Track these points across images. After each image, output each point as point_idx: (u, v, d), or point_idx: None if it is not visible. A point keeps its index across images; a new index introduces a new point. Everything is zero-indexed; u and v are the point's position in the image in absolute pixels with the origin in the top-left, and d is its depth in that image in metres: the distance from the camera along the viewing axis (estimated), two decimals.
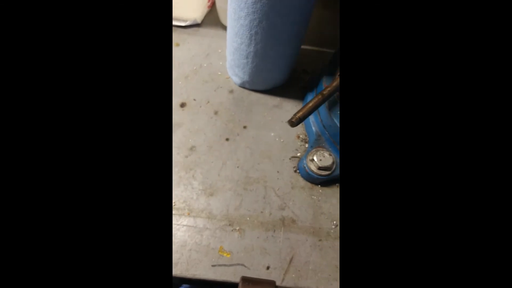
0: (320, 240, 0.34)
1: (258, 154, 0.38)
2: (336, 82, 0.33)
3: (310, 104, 0.33)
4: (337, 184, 0.37)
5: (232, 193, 0.35)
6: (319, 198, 0.36)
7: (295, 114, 0.32)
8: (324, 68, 0.40)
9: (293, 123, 0.32)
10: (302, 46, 0.48)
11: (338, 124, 0.35)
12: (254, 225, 0.34)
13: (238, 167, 0.37)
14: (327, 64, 0.40)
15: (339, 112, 0.35)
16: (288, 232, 0.34)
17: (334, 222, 0.35)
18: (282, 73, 0.41)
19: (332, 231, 0.34)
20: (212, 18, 0.50)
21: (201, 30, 0.49)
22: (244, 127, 0.40)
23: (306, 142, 0.40)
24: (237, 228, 0.34)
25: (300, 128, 0.41)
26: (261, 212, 0.35)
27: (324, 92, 0.33)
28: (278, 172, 0.37)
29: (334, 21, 0.52)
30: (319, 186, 0.37)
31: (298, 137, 0.40)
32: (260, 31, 0.33)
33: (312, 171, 0.35)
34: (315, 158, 0.35)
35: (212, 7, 0.50)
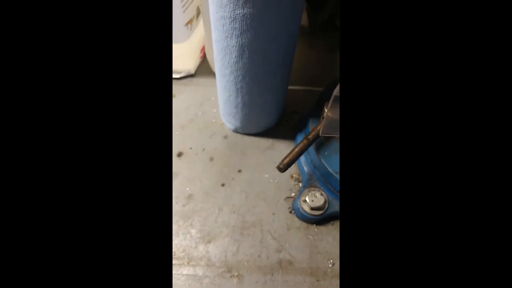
0: (318, 280, 0.34)
1: (253, 197, 0.40)
2: (320, 125, 0.35)
3: (296, 149, 0.34)
4: (332, 222, 0.38)
5: (229, 239, 0.37)
6: (315, 237, 0.37)
7: (282, 160, 0.34)
8: (311, 109, 0.42)
9: (281, 169, 0.34)
10: (291, 87, 0.51)
11: (326, 165, 0.36)
12: (252, 270, 0.35)
13: (234, 212, 0.39)
14: (313, 106, 0.42)
15: (326, 153, 0.37)
16: (286, 274, 0.35)
17: (331, 260, 0.36)
18: (272, 116, 0.43)
19: (329, 270, 0.35)
20: (204, 68, 0.53)
21: (195, 80, 0.52)
22: (239, 171, 0.42)
23: (299, 182, 0.41)
24: (236, 274, 0.35)
25: (293, 168, 0.42)
26: (259, 256, 0.36)
27: (309, 137, 0.35)
28: (273, 214, 0.39)
29: (320, 60, 0.55)
30: (314, 225, 0.38)
31: (292, 177, 0.42)
32: (244, 85, 0.36)
33: (305, 211, 0.37)
34: (307, 198, 0.37)
35: (204, 57, 0.54)
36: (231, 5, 0.28)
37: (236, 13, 0.28)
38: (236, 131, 0.45)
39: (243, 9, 0.28)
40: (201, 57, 0.53)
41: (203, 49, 0.53)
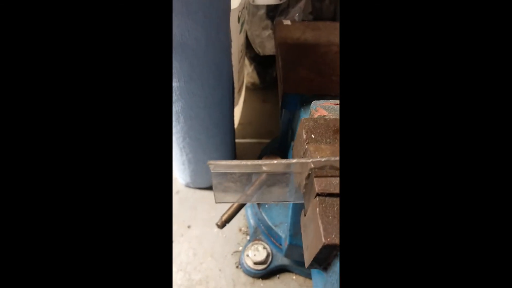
0: None
1: (201, 254, 0.40)
2: (258, 181, 0.37)
3: (235, 205, 0.36)
4: (278, 276, 0.38)
5: None
6: None
7: (221, 217, 0.35)
8: None
9: (219, 226, 0.35)
10: (242, 140, 0.54)
11: (267, 218, 0.37)
12: None
13: (181, 270, 0.39)
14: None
15: (267, 206, 0.38)
16: None
17: None
18: None
19: None
20: None
21: None
22: (188, 226, 0.43)
23: (247, 235, 0.42)
24: None
25: (242, 221, 0.43)
26: None
27: (248, 192, 0.37)
28: (220, 270, 0.39)
29: (272, 114, 0.58)
30: (261, 279, 0.38)
31: (240, 230, 0.43)
32: (186, 145, 0.38)
33: (249, 266, 0.37)
34: (250, 253, 0.37)
35: None
36: None
37: None
38: (187, 185, 0.46)
39: (173, 82, 0.30)
40: None
41: None
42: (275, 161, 0.18)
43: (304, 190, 0.20)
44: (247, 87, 0.60)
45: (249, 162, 0.18)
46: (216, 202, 0.20)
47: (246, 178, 0.19)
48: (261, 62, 0.57)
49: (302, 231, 0.22)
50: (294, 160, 0.18)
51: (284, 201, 0.21)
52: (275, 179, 0.19)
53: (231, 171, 0.18)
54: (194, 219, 0.43)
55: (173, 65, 0.29)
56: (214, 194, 0.20)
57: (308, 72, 0.33)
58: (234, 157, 0.48)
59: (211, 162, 0.17)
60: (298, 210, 0.31)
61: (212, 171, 0.18)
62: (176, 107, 0.33)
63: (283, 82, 0.32)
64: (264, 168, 0.18)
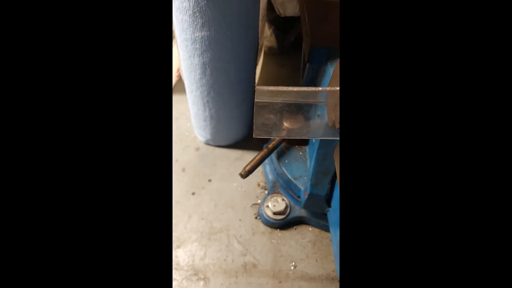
0: (280, 282, 0.36)
1: (221, 205, 0.42)
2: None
3: (257, 157, 0.37)
4: (295, 227, 0.41)
5: (198, 244, 0.39)
6: (279, 241, 0.39)
7: (244, 167, 0.37)
8: None
9: (243, 175, 0.37)
10: None
11: (287, 172, 0.39)
12: (217, 273, 0.37)
13: (203, 219, 0.41)
14: None
15: (287, 161, 0.40)
16: (250, 277, 0.36)
17: (293, 263, 0.38)
18: (240, 129, 0.46)
19: (291, 272, 0.37)
20: (180, 86, 0.57)
21: (172, 97, 0.55)
22: (209, 180, 0.45)
23: (265, 189, 0.44)
24: (202, 277, 0.36)
25: (260, 177, 0.45)
26: (224, 260, 0.38)
27: (269, 146, 0.38)
28: (240, 220, 0.41)
29: (288, 78, 0.59)
30: (278, 230, 0.40)
31: (259, 185, 0.44)
32: (210, 99, 0.39)
33: (268, 216, 0.39)
34: (269, 204, 0.39)
35: (180, 77, 0.58)
36: (191, 29, 0.31)
37: (195, 35, 0.32)
38: (207, 143, 0.48)
39: (201, 32, 0.31)
40: (177, 76, 0.57)
41: (178, 69, 0.56)
42: (320, 88, 0.19)
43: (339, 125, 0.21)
44: (264, 52, 0.61)
45: (295, 88, 0.19)
46: (254, 136, 0.21)
47: (287, 110, 0.20)
48: (280, 26, 0.57)
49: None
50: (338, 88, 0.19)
51: (322, 137, 0.22)
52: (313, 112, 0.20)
53: (275, 100, 0.19)
54: (214, 174, 0.45)
55: (206, 14, 0.30)
56: (254, 127, 0.21)
57: (334, 28, 0.33)
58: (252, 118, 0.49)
59: (258, 87, 0.18)
60: (320, 160, 0.32)
61: (256, 99, 0.19)
62: (204, 58, 0.34)
63: (310, 35, 0.32)
64: (310, 98, 0.19)
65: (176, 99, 0.55)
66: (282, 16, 0.51)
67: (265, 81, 0.58)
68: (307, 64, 0.35)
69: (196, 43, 0.32)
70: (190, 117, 0.52)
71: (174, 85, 0.57)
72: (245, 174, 0.36)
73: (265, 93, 0.19)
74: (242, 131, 0.47)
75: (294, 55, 0.62)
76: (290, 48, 0.61)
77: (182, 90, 0.56)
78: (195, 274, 0.36)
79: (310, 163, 0.35)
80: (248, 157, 0.47)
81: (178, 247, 0.38)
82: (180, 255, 0.38)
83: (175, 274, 0.36)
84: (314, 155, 0.32)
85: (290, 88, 0.18)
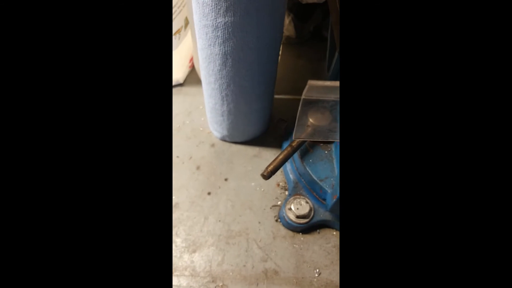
0: None
1: (239, 206, 0.39)
2: (304, 133, 0.35)
3: (280, 157, 0.34)
4: (318, 231, 0.38)
5: (215, 248, 0.36)
6: (301, 246, 0.37)
7: (266, 168, 0.34)
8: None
9: (265, 176, 0.34)
10: (278, 96, 0.51)
11: (311, 173, 0.36)
12: (237, 280, 0.34)
13: (220, 221, 0.38)
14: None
15: (311, 160, 0.37)
16: (271, 284, 0.34)
17: (317, 270, 0.35)
18: (258, 125, 0.43)
19: (315, 279, 0.34)
20: (193, 77, 0.54)
21: (184, 89, 0.52)
22: (226, 179, 0.42)
23: (286, 190, 0.41)
24: (220, 284, 0.34)
25: (280, 176, 0.42)
26: (244, 265, 0.35)
27: (293, 144, 0.35)
28: (259, 223, 0.38)
29: (307, 70, 0.55)
30: (301, 234, 0.38)
31: (278, 185, 0.42)
32: (229, 93, 0.36)
33: (291, 219, 0.36)
34: (292, 207, 0.36)
35: (193, 67, 0.54)
36: (213, 14, 0.28)
37: (218, 21, 0.29)
38: (223, 139, 0.45)
39: (224, 18, 0.28)
40: (190, 67, 0.54)
41: (191, 59, 0.53)
42: None
43: None
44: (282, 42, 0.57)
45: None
46: (294, 138, 0.19)
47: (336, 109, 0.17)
48: (298, 14, 0.53)
49: None
50: None
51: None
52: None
53: (325, 98, 0.16)
54: (231, 172, 0.42)
55: None
56: (295, 128, 0.18)
57: None
58: (271, 113, 0.46)
59: (311, 81, 0.15)
60: None
61: (303, 97, 0.16)
62: (225, 47, 0.31)
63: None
64: None
65: (188, 91, 0.52)
66: (304, 2, 0.48)
67: (281, 73, 0.55)
68: (337, 54, 0.32)
69: (218, 30, 0.29)
70: (204, 111, 0.49)
71: (186, 77, 0.54)
72: (268, 175, 0.33)
73: (316, 88, 0.16)
74: (260, 126, 0.44)
75: (312, 46, 0.58)
76: (308, 38, 0.58)
77: (195, 82, 0.53)
78: (212, 281, 0.34)
79: (337, 164, 0.32)
80: (265, 154, 0.44)
81: (194, 251, 0.36)
82: (197, 261, 0.35)
83: (191, 281, 0.34)
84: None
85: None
